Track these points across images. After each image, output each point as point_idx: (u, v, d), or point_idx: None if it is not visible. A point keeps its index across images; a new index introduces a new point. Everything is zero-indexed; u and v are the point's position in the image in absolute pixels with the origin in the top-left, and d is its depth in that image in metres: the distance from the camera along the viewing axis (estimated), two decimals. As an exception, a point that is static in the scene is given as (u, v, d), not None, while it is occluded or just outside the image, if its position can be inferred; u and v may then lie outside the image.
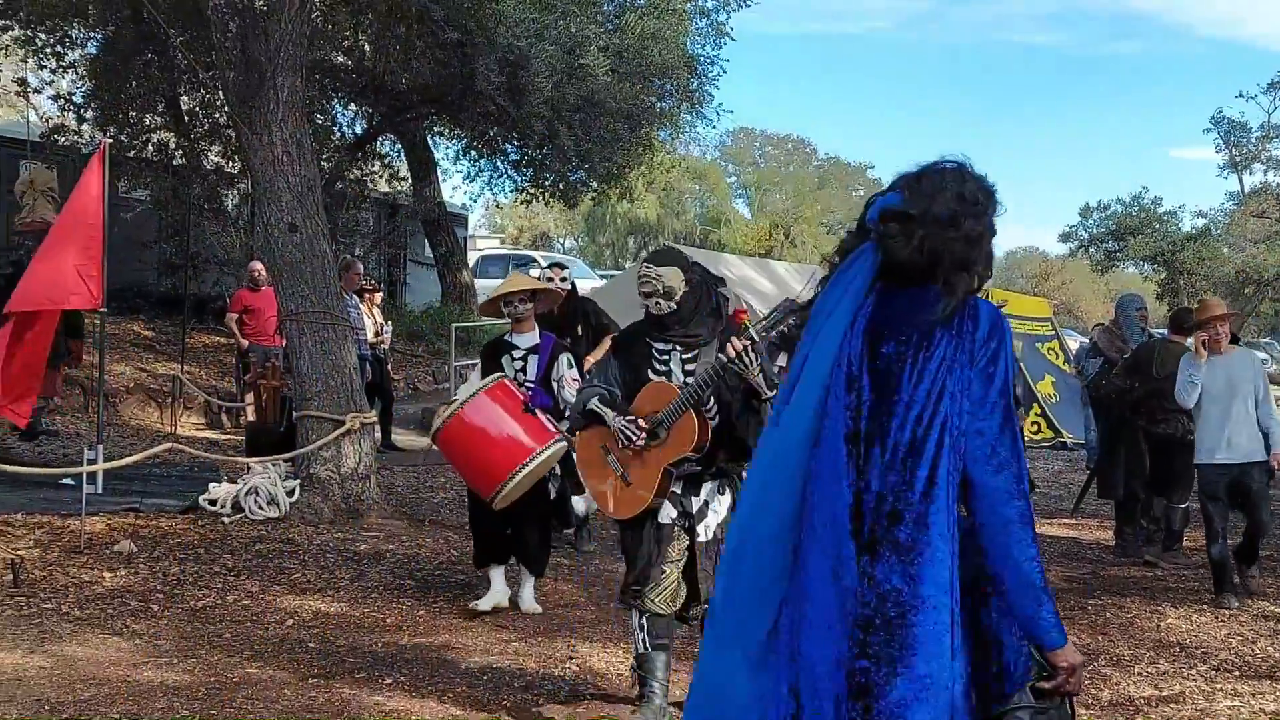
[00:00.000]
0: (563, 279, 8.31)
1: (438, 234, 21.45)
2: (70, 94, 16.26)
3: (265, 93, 8.77)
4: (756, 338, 4.30)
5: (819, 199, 55.74)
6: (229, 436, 13.09)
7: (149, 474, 10.04)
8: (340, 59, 16.05)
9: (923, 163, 2.60)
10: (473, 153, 18.92)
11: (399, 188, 20.70)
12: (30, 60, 15.70)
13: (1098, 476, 9.56)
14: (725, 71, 18.19)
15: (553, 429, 6.27)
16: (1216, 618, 7.04)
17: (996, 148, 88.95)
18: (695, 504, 4.64)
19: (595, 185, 18.72)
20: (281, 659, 5.65)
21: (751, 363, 4.31)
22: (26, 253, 10.13)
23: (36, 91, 16.60)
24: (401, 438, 13.00)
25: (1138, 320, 9.63)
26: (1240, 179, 39.62)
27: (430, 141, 20.69)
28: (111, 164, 9.29)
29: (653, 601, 4.59)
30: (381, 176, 19.09)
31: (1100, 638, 6.49)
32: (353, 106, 17.87)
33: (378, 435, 10.55)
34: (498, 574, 6.64)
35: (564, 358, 6.68)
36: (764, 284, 17.88)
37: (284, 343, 9.94)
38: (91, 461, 8.17)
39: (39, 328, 8.11)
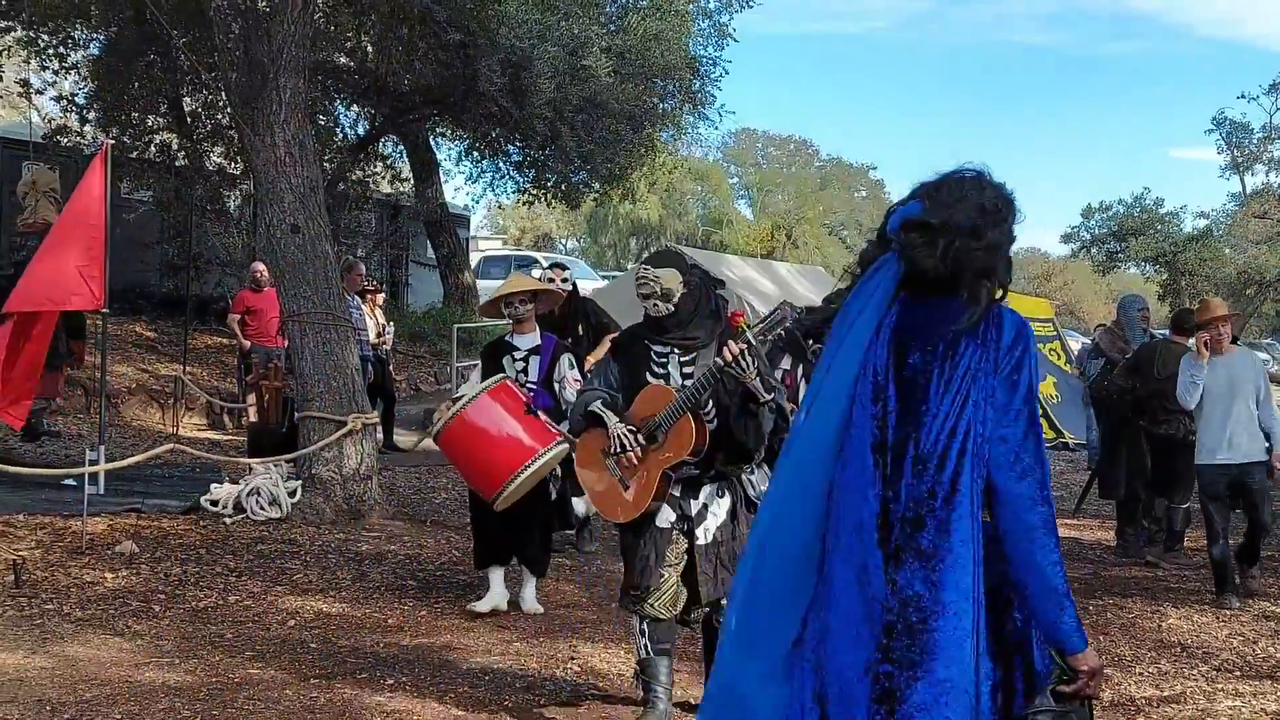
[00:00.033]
0: (563, 280, 8.31)
1: (440, 235, 21.46)
2: (73, 95, 16.27)
3: (268, 94, 8.78)
4: (753, 341, 4.27)
5: (821, 200, 55.70)
6: (231, 437, 13.10)
7: (151, 475, 10.05)
8: (343, 60, 16.08)
9: (941, 171, 2.60)
10: (475, 154, 18.95)
11: (401, 189, 20.73)
12: (33, 61, 15.75)
13: (1099, 477, 9.56)
14: (727, 72, 18.21)
15: (555, 431, 6.27)
16: (1218, 618, 7.04)
17: (996, 148, 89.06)
18: (694, 507, 4.60)
19: (597, 186, 18.74)
20: (283, 660, 5.65)
21: (748, 366, 4.27)
22: (29, 253, 10.13)
23: (39, 92, 16.62)
24: (403, 438, 13.01)
25: (1139, 321, 9.63)
26: (1242, 180, 39.61)
27: (432, 142, 20.72)
28: (114, 165, 9.31)
29: (653, 607, 4.57)
30: (384, 177, 19.12)
31: (1102, 638, 6.48)
32: (355, 108, 17.91)
33: (379, 436, 10.56)
34: (497, 576, 6.64)
35: (565, 358, 6.68)
36: (766, 285, 17.91)
37: (286, 344, 9.95)
38: (93, 462, 8.18)
39: (39, 329, 8.12)
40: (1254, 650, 6.40)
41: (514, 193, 19.86)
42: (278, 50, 8.77)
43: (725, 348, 4.29)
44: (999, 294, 2.58)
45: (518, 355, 6.66)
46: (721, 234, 48.40)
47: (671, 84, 16.85)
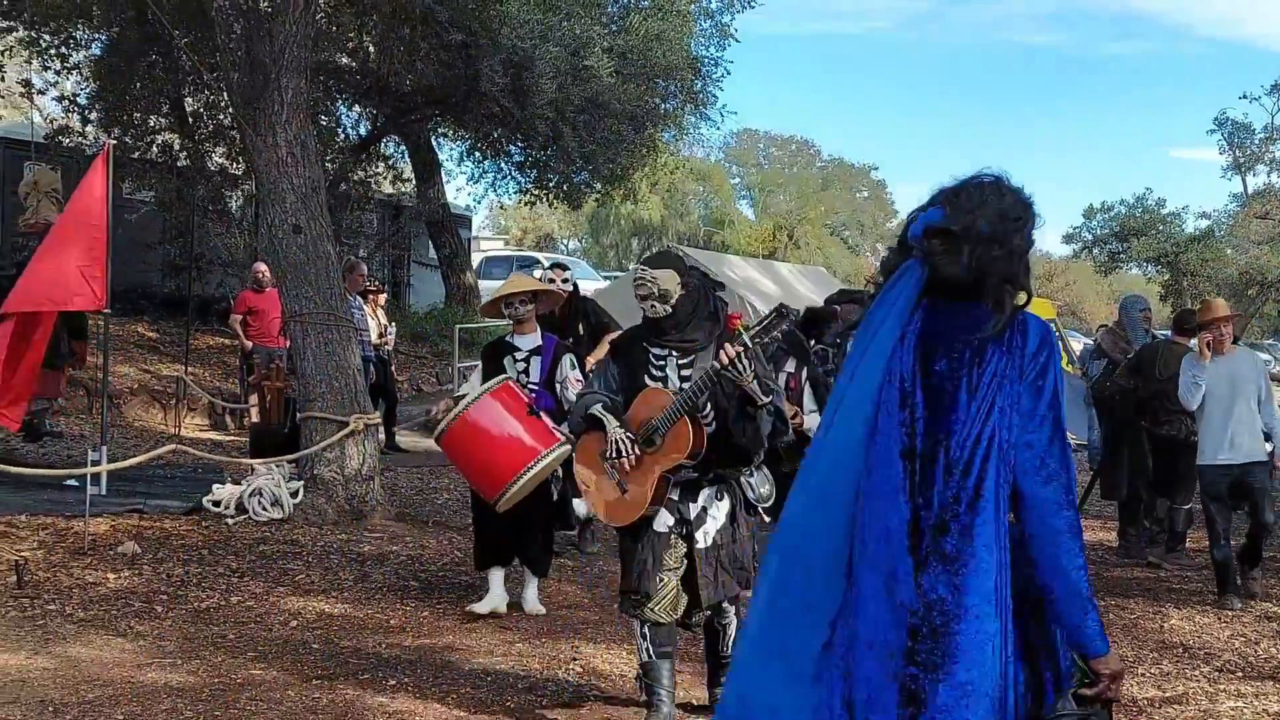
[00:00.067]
0: (564, 280, 8.31)
1: (442, 235, 21.47)
2: (74, 95, 16.29)
3: (270, 94, 8.78)
4: (750, 344, 4.25)
5: (823, 200, 55.69)
6: (233, 438, 13.11)
7: (153, 475, 10.06)
8: (345, 60, 16.09)
9: (961, 176, 2.62)
10: (477, 154, 18.96)
11: (403, 189, 20.75)
12: (35, 61, 15.75)
13: (1101, 477, 9.55)
14: (729, 73, 18.24)
15: (557, 432, 6.26)
16: (1219, 619, 7.03)
17: (997, 148, 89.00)
18: (693, 510, 4.58)
19: (599, 187, 18.74)
20: (285, 660, 5.66)
21: (745, 369, 4.24)
22: (30, 254, 10.14)
23: (41, 93, 16.64)
24: (405, 439, 13.01)
25: (1141, 321, 9.63)
26: (1244, 180, 39.62)
27: (434, 143, 20.72)
28: (115, 165, 9.30)
29: (653, 611, 4.56)
30: (386, 178, 19.13)
31: (1103, 639, 6.48)
32: (357, 108, 17.92)
33: (381, 437, 10.56)
34: (497, 577, 6.63)
35: (567, 359, 6.68)
36: (768, 286, 17.91)
37: (288, 344, 9.95)
38: (95, 463, 8.18)
39: (38, 335, 8.12)
40: (1256, 651, 6.39)
41: (516, 193, 19.88)
42: (280, 50, 8.77)
43: (722, 350, 4.26)
44: (1022, 299, 2.59)
45: (519, 356, 6.65)
46: (723, 234, 48.40)
47: (673, 84, 16.85)
